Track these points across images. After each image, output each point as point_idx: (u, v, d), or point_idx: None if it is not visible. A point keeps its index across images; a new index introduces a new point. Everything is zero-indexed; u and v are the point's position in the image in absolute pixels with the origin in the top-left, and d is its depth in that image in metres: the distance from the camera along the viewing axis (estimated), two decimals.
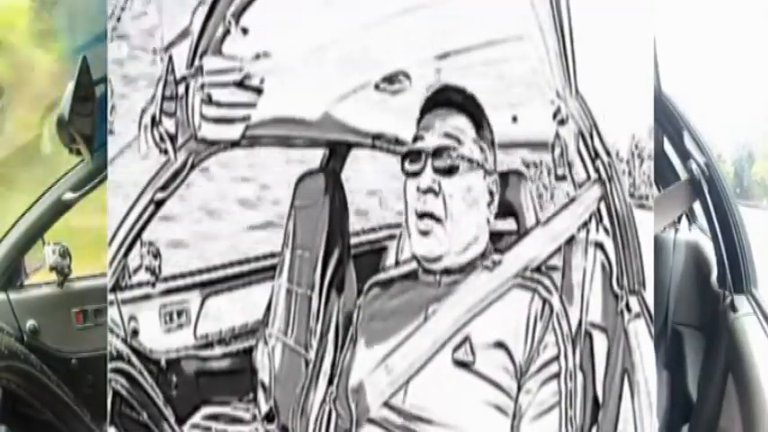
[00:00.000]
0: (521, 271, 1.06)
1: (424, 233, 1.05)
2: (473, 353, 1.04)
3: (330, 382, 1.11)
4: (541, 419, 1.03)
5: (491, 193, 1.06)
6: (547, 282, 1.05)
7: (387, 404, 1.06)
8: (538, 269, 1.06)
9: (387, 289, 1.10)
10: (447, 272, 1.06)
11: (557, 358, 1.03)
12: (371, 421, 1.06)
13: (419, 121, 1.07)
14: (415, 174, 1.05)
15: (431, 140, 1.05)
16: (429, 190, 1.04)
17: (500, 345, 1.03)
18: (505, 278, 1.05)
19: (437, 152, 1.05)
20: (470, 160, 1.05)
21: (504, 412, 1.03)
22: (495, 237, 1.07)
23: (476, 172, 1.05)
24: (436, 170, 1.04)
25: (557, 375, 1.03)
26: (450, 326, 1.05)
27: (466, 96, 1.06)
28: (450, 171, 1.04)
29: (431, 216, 1.04)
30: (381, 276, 1.11)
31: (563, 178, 1.08)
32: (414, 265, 1.08)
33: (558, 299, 1.05)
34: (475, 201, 1.05)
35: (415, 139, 1.07)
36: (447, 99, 1.06)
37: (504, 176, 1.08)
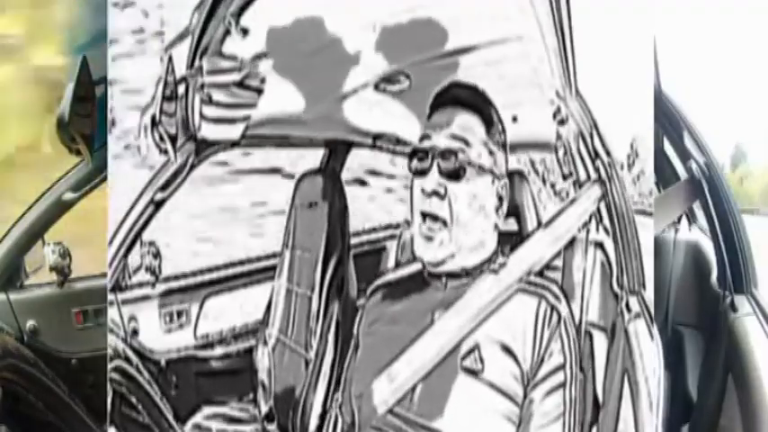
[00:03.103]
0: (525, 275, 1.05)
1: (429, 238, 1.03)
2: (482, 361, 1.02)
3: (330, 382, 1.11)
4: (547, 429, 1.02)
5: (500, 198, 1.04)
6: (555, 288, 1.04)
7: (392, 412, 1.05)
8: (540, 273, 1.06)
9: (391, 292, 1.08)
10: (453, 275, 1.05)
11: (563, 367, 1.03)
12: (376, 429, 1.06)
13: (428, 118, 1.05)
14: (422, 173, 1.04)
15: (438, 141, 1.03)
16: (434, 193, 1.02)
17: (507, 351, 1.02)
18: (510, 282, 1.04)
19: (444, 154, 1.03)
20: (479, 167, 1.03)
21: (512, 421, 1.02)
22: (498, 237, 1.07)
23: (483, 177, 1.03)
24: (442, 173, 1.02)
25: (562, 385, 1.02)
26: (457, 332, 1.03)
27: (476, 93, 1.04)
28: (456, 176, 1.02)
29: (435, 218, 1.02)
30: (386, 279, 1.10)
31: (564, 178, 1.08)
32: (418, 266, 1.07)
33: (565, 306, 1.04)
34: (481, 207, 1.03)
35: (423, 138, 1.05)
36: (455, 97, 1.04)
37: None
